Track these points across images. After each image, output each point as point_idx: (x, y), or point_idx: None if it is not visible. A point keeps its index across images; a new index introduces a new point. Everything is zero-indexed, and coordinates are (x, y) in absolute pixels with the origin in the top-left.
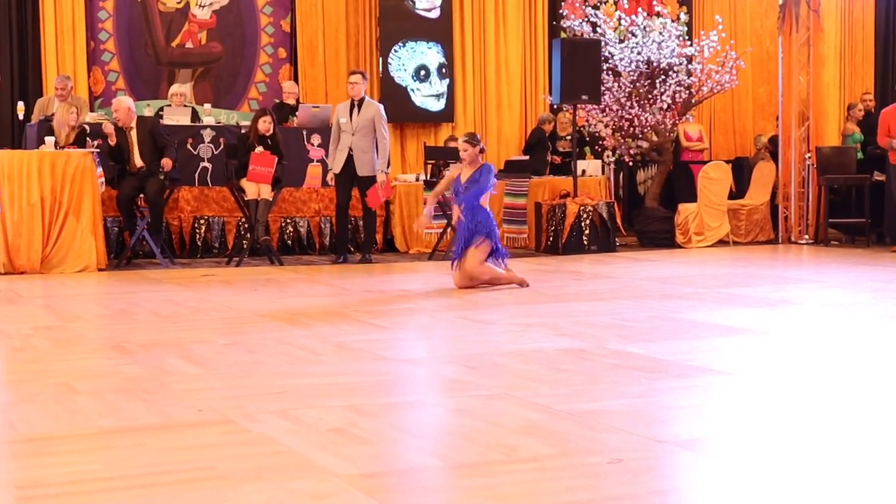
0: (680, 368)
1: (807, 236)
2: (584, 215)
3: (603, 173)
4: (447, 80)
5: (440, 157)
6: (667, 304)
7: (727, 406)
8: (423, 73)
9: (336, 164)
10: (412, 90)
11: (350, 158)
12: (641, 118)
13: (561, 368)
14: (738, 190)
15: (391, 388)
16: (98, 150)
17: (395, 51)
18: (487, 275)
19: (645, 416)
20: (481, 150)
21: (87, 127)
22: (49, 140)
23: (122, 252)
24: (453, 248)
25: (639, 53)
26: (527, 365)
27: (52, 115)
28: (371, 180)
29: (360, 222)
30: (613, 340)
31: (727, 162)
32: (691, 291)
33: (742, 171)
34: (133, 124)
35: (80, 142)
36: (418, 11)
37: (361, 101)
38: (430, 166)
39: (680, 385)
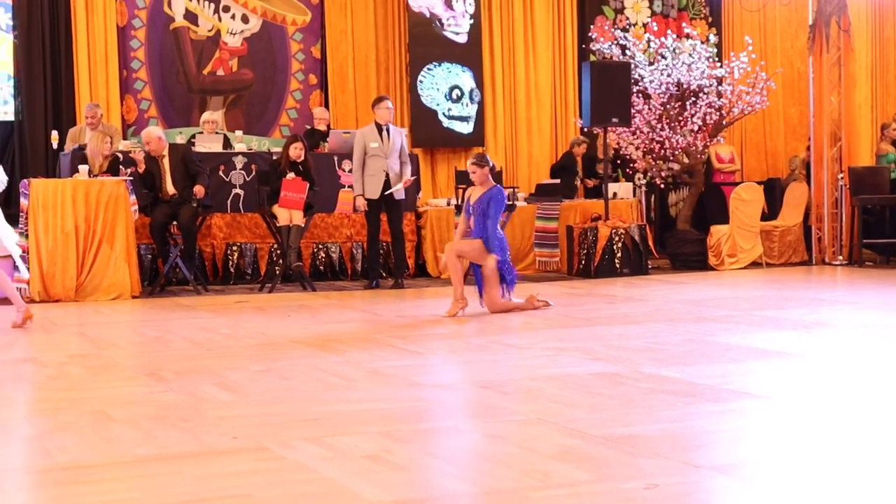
0: (715, 392)
1: (841, 257)
2: (616, 238)
3: (634, 196)
4: (476, 105)
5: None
6: (701, 328)
7: (764, 430)
8: (456, 93)
9: (372, 190)
10: (444, 112)
11: (386, 183)
12: (672, 140)
13: (595, 393)
14: (771, 211)
15: (425, 414)
16: (131, 177)
17: (429, 69)
18: (509, 307)
19: (681, 441)
20: (492, 170)
21: (120, 155)
22: (83, 168)
23: (156, 279)
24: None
25: (669, 75)
26: (561, 389)
27: (86, 143)
28: (402, 204)
29: (391, 247)
30: (648, 364)
31: (759, 183)
32: (725, 314)
33: (774, 192)
34: (165, 152)
35: (113, 170)
36: (447, 35)
37: (387, 125)
38: (461, 191)
39: (716, 409)
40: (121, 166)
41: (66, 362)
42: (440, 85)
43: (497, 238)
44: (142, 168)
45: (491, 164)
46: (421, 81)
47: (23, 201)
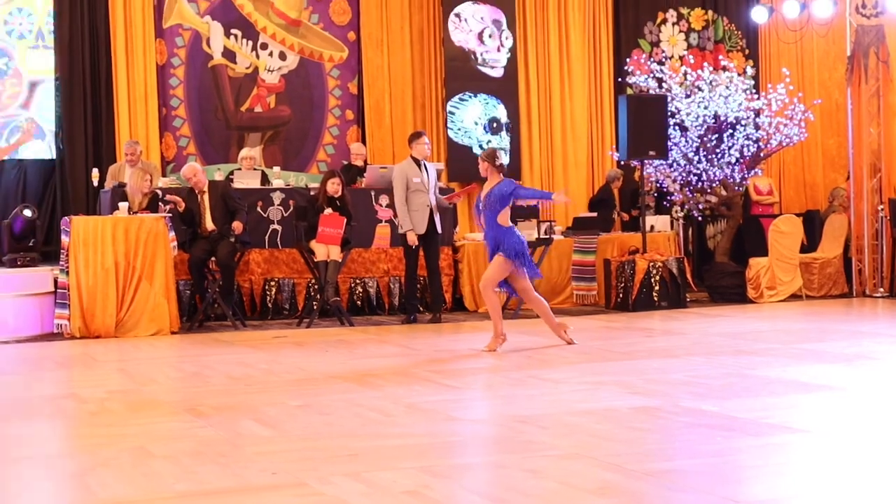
0: (756, 426)
1: (882, 289)
2: (654, 271)
3: (672, 229)
4: (509, 138)
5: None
6: (740, 361)
7: (805, 465)
8: (494, 125)
9: (420, 224)
10: (481, 144)
11: (430, 218)
12: (709, 173)
13: (634, 427)
14: (810, 243)
15: (463, 449)
16: (170, 214)
17: (462, 100)
18: (541, 307)
19: (721, 476)
20: (499, 166)
21: (159, 192)
22: (123, 205)
23: (195, 315)
24: (522, 307)
25: (706, 108)
26: (599, 424)
27: (125, 181)
28: (439, 238)
29: (428, 281)
30: (687, 398)
31: (798, 215)
32: (765, 347)
33: (813, 224)
34: (205, 188)
35: (152, 207)
36: (483, 70)
37: (424, 160)
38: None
39: (756, 443)
40: (160, 203)
41: (106, 398)
42: (474, 116)
43: (507, 232)
44: (182, 207)
45: (500, 162)
46: (452, 113)
47: (64, 238)
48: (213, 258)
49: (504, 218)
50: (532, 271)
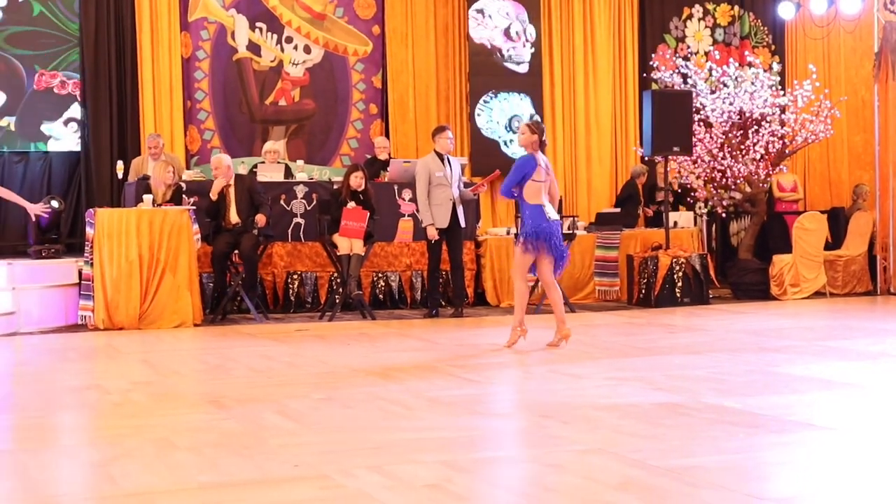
0: (779, 423)
1: None
2: (677, 267)
3: (695, 225)
4: None
5: None
6: (763, 358)
7: (828, 462)
8: (516, 123)
9: (441, 219)
10: (505, 142)
11: (453, 211)
12: (734, 169)
13: (657, 423)
14: (834, 240)
15: (485, 443)
16: (194, 206)
17: (486, 101)
18: (552, 293)
19: (744, 473)
20: (541, 142)
21: (183, 184)
22: (147, 198)
23: (218, 307)
24: (544, 302)
25: (731, 104)
26: (622, 419)
27: (149, 173)
28: (462, 233)
29: (451, 276)
30: (710, 394)
31: (822, 212)
32: (788, 344)
33: (838, 221)
34: (231, 181)
35: (176, 199)
36: (508, 65)
37: (447, 155)
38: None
39: (779, 441)
40: (184, 195)
41: (129, 389)
42: (499, 116)
43: (525, 208)
44: (215, 195)
45: (539, 137)
46: (479, 115)
47: (88, 230)
48: (236, 251)
49: (527, 193)
50: (557, 255)
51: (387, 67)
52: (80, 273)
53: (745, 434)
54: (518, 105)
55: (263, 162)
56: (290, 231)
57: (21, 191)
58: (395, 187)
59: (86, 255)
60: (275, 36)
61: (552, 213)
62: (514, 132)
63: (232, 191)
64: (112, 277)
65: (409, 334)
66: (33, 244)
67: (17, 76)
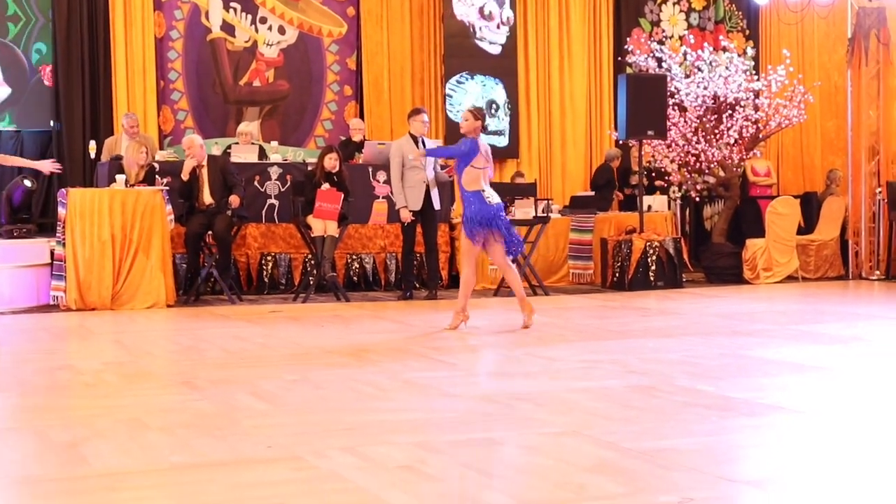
0: (750, 406)
1: (878, 272)
2: (651, 251)
3: (669, 209)
4: (508, 118)
5: (506, 193)
6: (736, 341)
7: (798, 445)
8: (493, 107)
9: (414, 201)
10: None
11: (426, 193)
12: (708, 153)
13: (630, 406)
14: (807, 225)
15: (459, 425)
16: (167, 187)
17: (459, 83)
18: (508, 274)
19: (715, 455)
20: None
21: (156, 165)
22: (119, 178)
23: (191, 288)
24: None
25: (705, 88)
26: (595, 402)
27: (122, 153)
28: (437, 215)
29: (425, 258)
30: (682, 378)
31: (795, 197)
32: (760, 328)
33: (811, 206)
34: (204, 162)
35: (149, 180)
36: (482, 46)
37: (422, 137)
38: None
39: (750, 423)
40: (157, 176)
41: (101, 370)
42: (473, 98)
43: (469, 196)
44: (186, 175)
45: (480, 119)
46: (450, 95)
47: (60, 210)
48: (209, 232)
49: (466, 180)
50: (507, 237)
51: (361, 49)
52: (52, 253)
53: (718, 417)
54: (495, 89)
55: (237, 143)
56: (263, 212)
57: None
58: (370, 169)
59: (58, 235)
60: (249, 16)
61: (494, 197)
62: (491, 116)
63: (205, 172)
64: (84, 258)
65: (382, 316)
66: (4, 224)
67: None
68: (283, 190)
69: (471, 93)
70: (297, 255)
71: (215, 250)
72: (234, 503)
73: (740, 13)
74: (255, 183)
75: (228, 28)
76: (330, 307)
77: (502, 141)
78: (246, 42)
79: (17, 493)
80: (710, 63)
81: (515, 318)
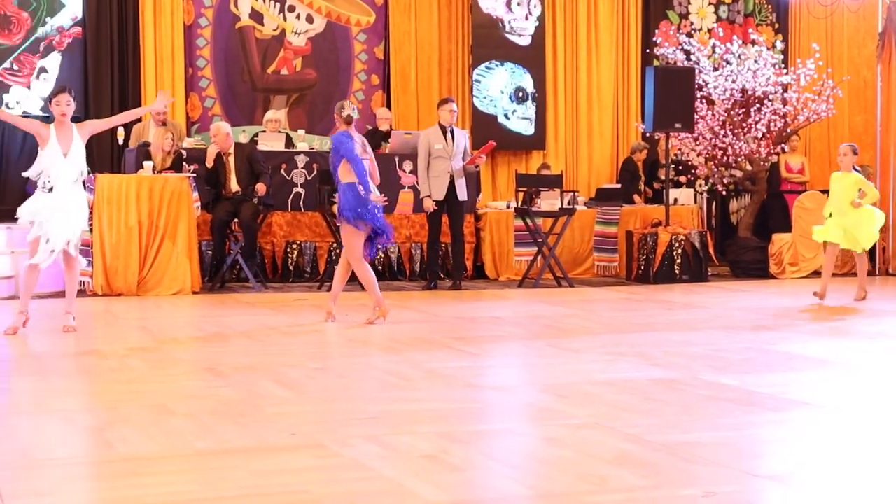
0: (774, 401)
1: None
2: (676, 244)
3: (695, 202)
4: (535, 107)
5: (531, 185)
6: (760, 336)
7: (822, 440)
8: (521, 94)
9: (438, 191)
10: (506, 113)
11: (451, 184)
12: (735, 147)
13: (653, 399)
14: None
15: (482, 416)
16: (194, 174)
17: (488, 68)
18: (364, 275)
19: (739, 449)
20: (346, 118)
21: (183, 152)
22: (147, 165)
23: (216, 275)
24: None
25: (733, 82)
26: (618, 395)
27: (149, 140)
28: (464, 205)
29: (451, 249)
30: (706, 371)
31: (823, 192)
32: (786, 323)
33: None
34: (231, 150)
35: (176, 166)
36: (510, 38)
37: (451, 127)
38: (520, 194)
39: (774, 418)
40: (184, 163)
41: (126, 356)
42: (501, 85)
43: (342, 188)
44: (210, 163)
45: (346, 114)
46: (478, 81)
47: (88, 196)
48: (235, 219)
49: (342, 172)
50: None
51: (389, 38)
52: None
53: (741, 411)
54: (523, 77)
55: (265, 131)
56: (290, 200)
57: (21, 155)
58: (396, 159)
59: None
60: (277, 5)
61: (373, 189)
62: (519, 103)
63: (232, 159)
64: (111, 243)
65: (407, 306)
66: None
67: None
68: (309, 178)
69: (499, 79)
70: (322, 243)
71: (241, 238)
72: (256, 490)
73: (770, 6)
74: (282, 171)
75: (257, 16)
76: (354, 296)
77: (528, 129)
78: (274, 30)
79: (42, 476)
80: (739, 56)
81: (538, 310)
